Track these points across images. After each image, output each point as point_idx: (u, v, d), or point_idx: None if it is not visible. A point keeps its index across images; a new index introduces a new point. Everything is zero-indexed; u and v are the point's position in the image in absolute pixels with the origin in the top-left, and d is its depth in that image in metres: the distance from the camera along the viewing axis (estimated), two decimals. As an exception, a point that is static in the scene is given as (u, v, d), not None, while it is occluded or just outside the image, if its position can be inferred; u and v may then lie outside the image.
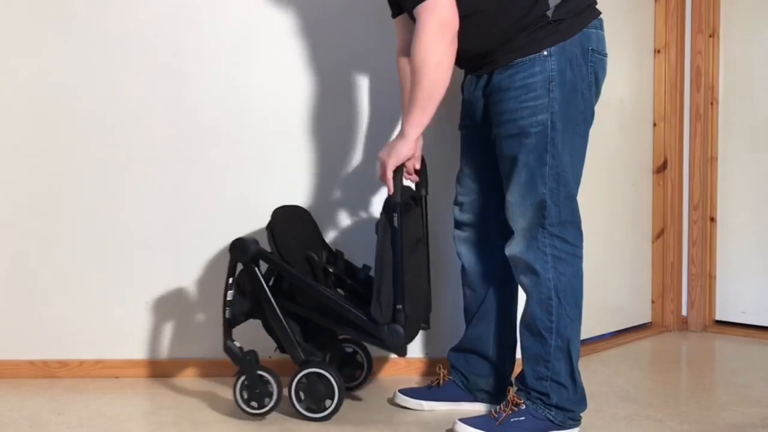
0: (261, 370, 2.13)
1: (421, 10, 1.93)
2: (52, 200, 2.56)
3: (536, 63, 1.95)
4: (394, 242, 2.04)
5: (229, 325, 2.16)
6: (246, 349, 2.15)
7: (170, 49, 2.56)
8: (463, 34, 1.99)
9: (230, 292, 2.15)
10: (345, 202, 2.58)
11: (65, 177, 2.56)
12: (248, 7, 2.56)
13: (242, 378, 2.14)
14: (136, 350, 2.59)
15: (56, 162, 2.56)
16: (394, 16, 2.21)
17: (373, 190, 2.59)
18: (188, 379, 2.57)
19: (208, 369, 2.59)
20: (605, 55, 2.05)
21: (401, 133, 2.04)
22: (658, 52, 3.31)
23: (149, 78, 2.56)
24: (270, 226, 2.16)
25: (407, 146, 2.03)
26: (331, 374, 2.12)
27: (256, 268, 2.13)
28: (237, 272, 2.17)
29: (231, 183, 2.59)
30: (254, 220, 2.56)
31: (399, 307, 2.04)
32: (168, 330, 2.59)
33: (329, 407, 2.12)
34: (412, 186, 2.24)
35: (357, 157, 2.58)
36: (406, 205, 2.10)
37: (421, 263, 2.27)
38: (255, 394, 2.13)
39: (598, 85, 2.05)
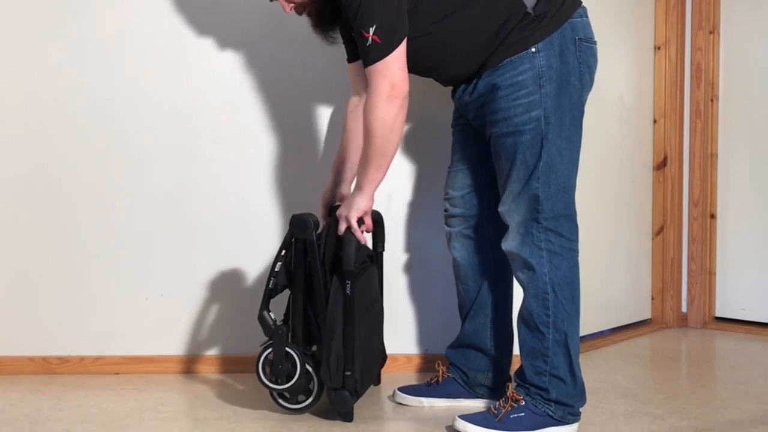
0: (289, 347, 2.10)
1: (373, 72, 1.95)
2: (52, 197, 2.56)
3: (525, 60, 1.96)
4: (346, 310, 2.05)
5: (269, 295, 2.13)
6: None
7: (169, 47, 2.56)
8: (451, 59, 2.03)
9: (279, 264, 2.12)
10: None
11: (65, 174, 2.56)
12: (247, 5, 2.56)
13: (268, 351, 2.11)
14: (137, 347, 2.59)
15: (56, 159, 2.56)
16: (349, 60, 2.25)
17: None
18: (188, 375, 2.57)
19: (209, 365, 2.59)
20: (594, 42, 2.04)
21: (358, 188, 2.08)
22: (659, 48, 3.31)
23: (148, 76, 2.56)
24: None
25: (365, 200, 2.08)
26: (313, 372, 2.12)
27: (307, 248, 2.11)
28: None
29: (231, 180, 2.59)
30: (254, 217, 2.57)
31: (348, 373, 2.05)
32: (168, 326, 2.59)
33: (305, 401, 2.13)
34: (369, 244, 2.23)
35: (357, 153, 2.59)
36: (362, 264, 2.12)
37: (377, 320, 2.29)
38: (278, 370, 2.10)
39: (591, 74, 2.04)
